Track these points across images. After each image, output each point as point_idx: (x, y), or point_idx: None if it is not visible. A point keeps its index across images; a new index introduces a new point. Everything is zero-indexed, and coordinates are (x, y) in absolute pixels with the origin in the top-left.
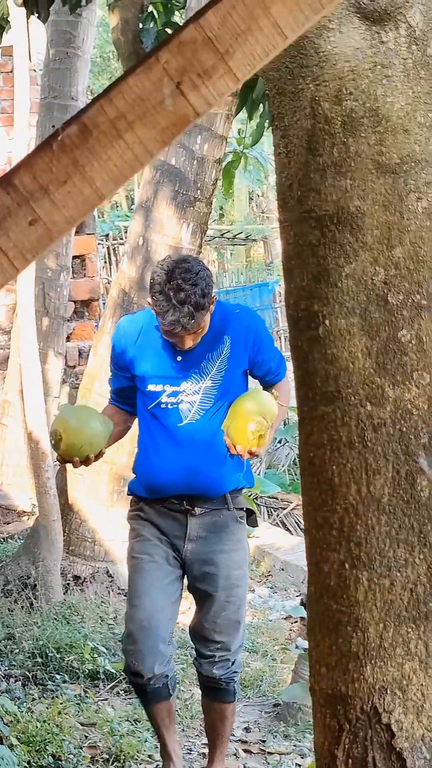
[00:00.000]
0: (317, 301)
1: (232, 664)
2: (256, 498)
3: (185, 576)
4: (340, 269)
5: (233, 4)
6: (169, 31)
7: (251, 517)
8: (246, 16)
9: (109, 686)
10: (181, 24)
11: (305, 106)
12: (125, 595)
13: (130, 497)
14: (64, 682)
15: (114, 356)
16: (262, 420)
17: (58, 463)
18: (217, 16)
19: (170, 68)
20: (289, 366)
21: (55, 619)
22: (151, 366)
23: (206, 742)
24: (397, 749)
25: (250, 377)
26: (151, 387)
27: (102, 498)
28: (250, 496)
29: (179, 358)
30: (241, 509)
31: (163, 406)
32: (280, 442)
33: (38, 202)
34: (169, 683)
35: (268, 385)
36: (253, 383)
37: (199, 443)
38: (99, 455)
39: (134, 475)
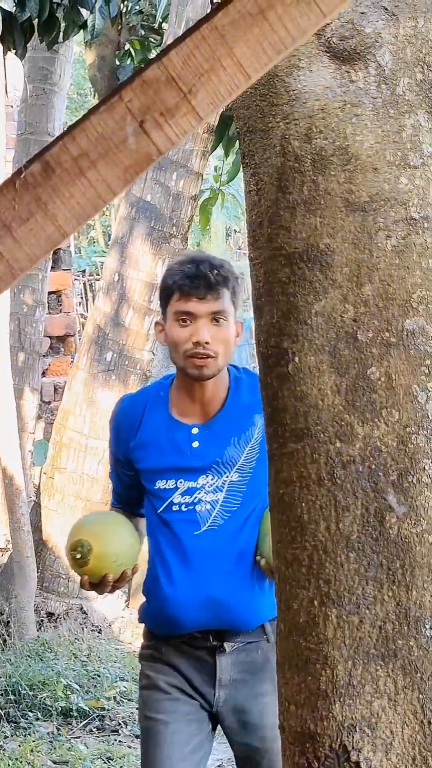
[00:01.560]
0: (287, 338)
1: None
2: None
3: (220, 726)
4: (309, 306)
5: (196, 44)
6: None
7: None
8: (209, 56)
9: (82, 724)
10: None
11: (275, 144)
12: (99, 632)
13: (143, 625)
14: (37, 719)
15: (113, 446)
16: None
17: (76, 568)
18: (180, 56)
19: (133, 107)
20: None
21: (28, 656)
22: (158, 455)
23: None
24: None
25: None
26: (160, 484)
27: None
28: None
29: (196, 444)
30: None
31: (175, 508)
32: None
33: (1, 239)
34: None
35: None
36: None
37: (223, 558)
38: (134, 570)
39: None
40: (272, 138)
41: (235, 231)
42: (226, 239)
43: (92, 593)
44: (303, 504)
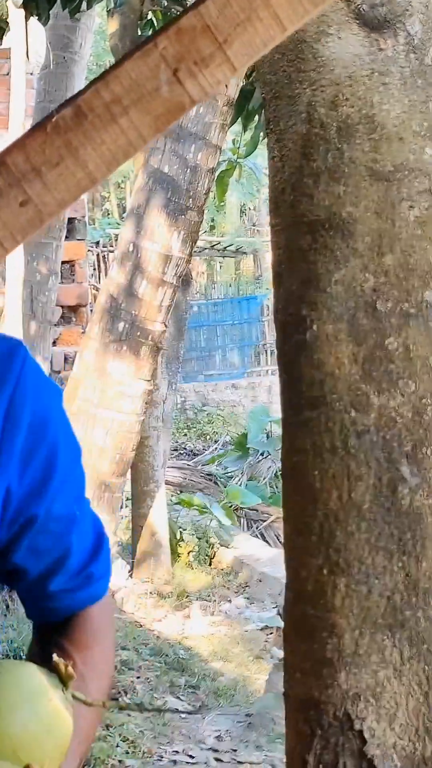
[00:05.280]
0: (306, 306)
1: None
2: (237, 509)
3: None
4: (330, 275)
5: None
6: None
7: None
8: (246, 6)
9: None
10: None
11: (301, 111)
12: None
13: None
14: None
15: None
16: None
17: None
18: (216, 4)
19: (168, 55)
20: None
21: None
22: None
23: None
24: (369, 756)
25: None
26: None
27: None
28: (230, 506)
29: None
30: None
31: None
32: (262, 454)
33: (30, 183)
34: None
35: (58, 612)
36: None
37: None
38: None
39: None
40: (298, 105)
41: (250, 209)
42: (241, 216)
43: None
44: (315, 472)
